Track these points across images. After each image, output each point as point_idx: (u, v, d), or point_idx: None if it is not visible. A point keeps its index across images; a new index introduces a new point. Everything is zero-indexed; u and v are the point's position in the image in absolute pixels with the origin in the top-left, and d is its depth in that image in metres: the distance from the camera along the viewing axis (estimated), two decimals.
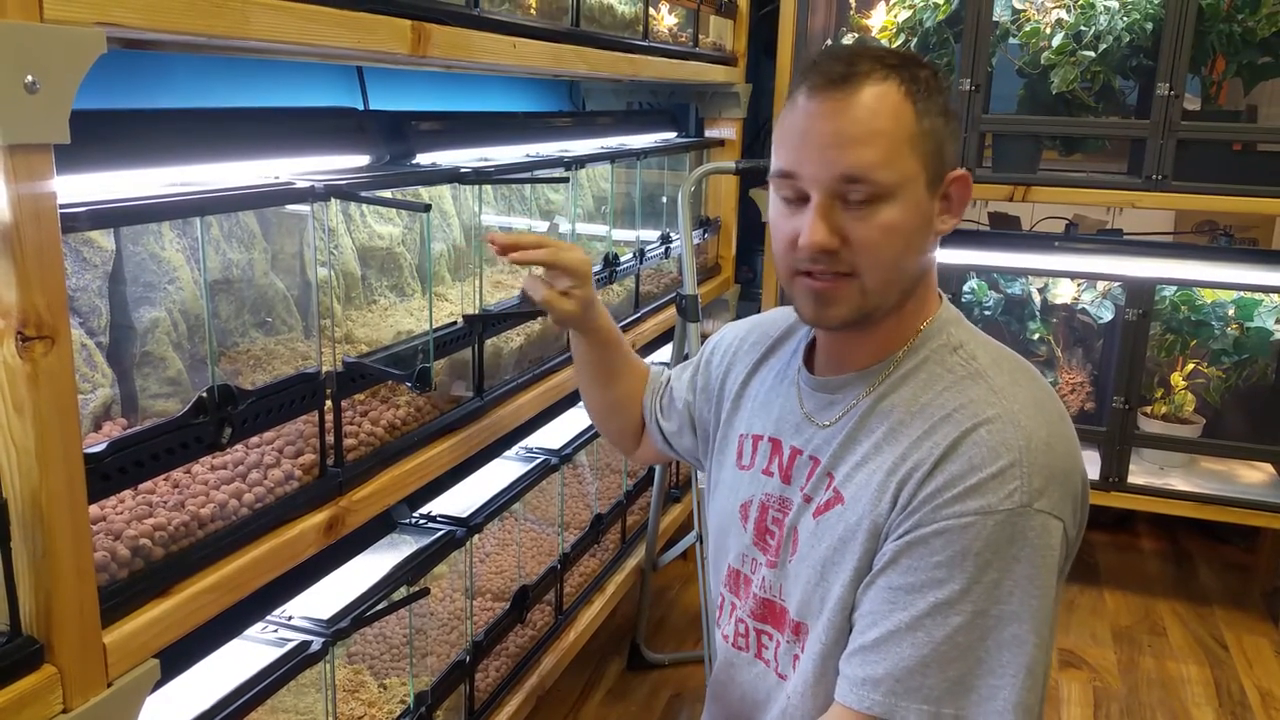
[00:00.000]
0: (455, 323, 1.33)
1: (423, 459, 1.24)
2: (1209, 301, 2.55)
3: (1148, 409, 2.63)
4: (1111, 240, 2.77)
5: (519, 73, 1.88)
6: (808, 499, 1.03)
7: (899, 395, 1.00)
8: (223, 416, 0.93)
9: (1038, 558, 0.90)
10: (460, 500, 1.47)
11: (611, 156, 1.87)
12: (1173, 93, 2.31)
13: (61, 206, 0.73)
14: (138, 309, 0.97)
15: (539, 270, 1.26)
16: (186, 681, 0.97)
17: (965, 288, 2.68)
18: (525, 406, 1.52)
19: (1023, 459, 0.91)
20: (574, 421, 1.86)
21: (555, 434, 1.80)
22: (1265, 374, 2.56)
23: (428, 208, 1.16)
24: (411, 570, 1.26)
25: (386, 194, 1.19)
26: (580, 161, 1.69)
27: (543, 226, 1.82)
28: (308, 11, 0.96)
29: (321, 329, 1.10)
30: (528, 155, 1.65)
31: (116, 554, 0.84)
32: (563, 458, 1.73)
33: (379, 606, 1.19)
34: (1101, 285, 2.63)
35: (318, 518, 1.05)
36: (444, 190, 1.46)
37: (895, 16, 2.64)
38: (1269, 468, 2.64)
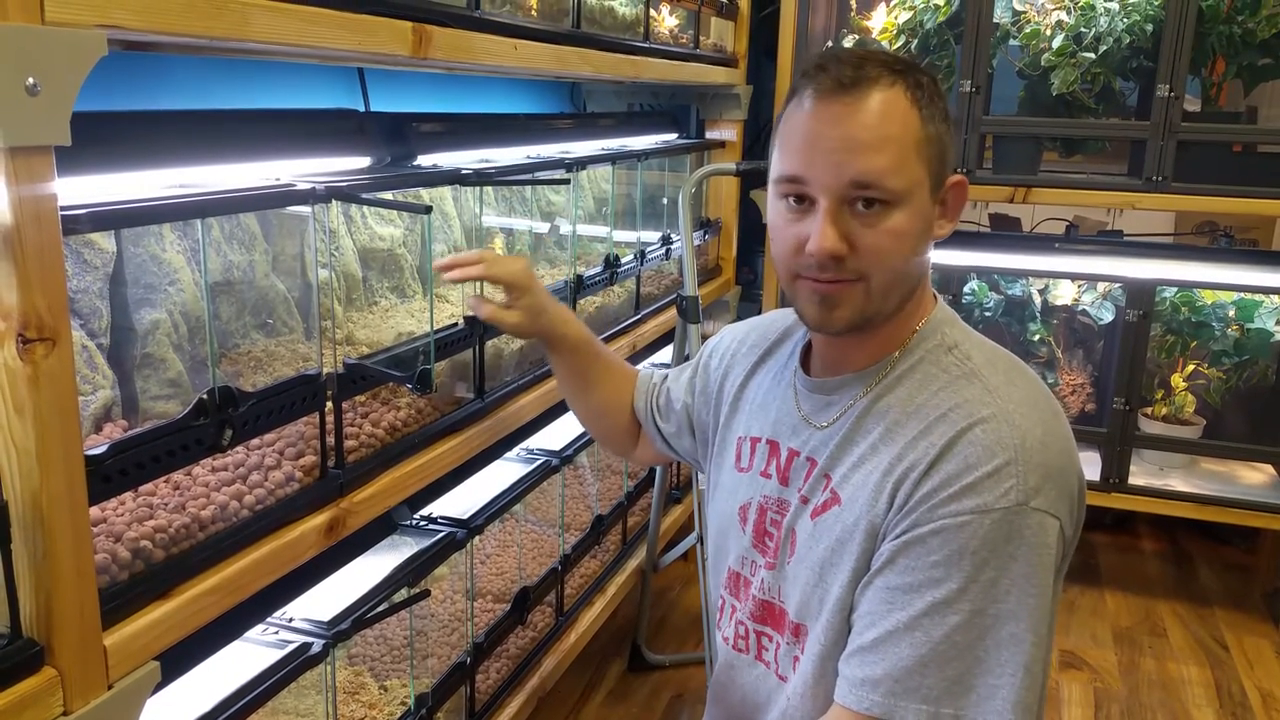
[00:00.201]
0: (456, 324, 1.33)
1: (423, 460, 1.24)
2: (1209, 303, 2.55)
3: (1148, 410, 2.63)
4: (1112, 241, 2.77)
5: (520, 74, 1.88)
6: (805, 500, 1.04)
7: (895, 396, 1.00)
8: (223, 418, 0.93)
9: (1034, 556, 0.90)
10: (461, 502, 1.47)
11: (612, 158, 1.87)
12: (1173, 94, 2.31)
13: (62, 208, 0.73)
14: (138, 311, 0.97)
15: (490, 289, 1.27)
16: (187, 684, 0.97)
17: (966, 289, 2.68)
18: (526, 408, 1.52)
19: (1018, 457, 0.91)
20: (575, 423, 1.85)
21: (556, 435, 1.80)
22: (1265, 375, 2.56)
23: (429, 209, 1.16)
24: (412, 572, 1.26)
25: (387, 195, 1.19)
26: (581, 163, 1.69)
27: (544, 228, 1.82)
28: (308, 13, 0.96)
29: (322, 330, 1.10)
30: (529, 157, 1.65)
31: (117, 556, 0.84)
32: (563, 459, 1.73)
33: (380, 608, 1.19)
34: (1102, 286, 2.63)
35: (318, 519, 1.05)
36: (445, 192, 1.46)
37: (896, 18, 2.64)
38: (1269, 469, 2.64)
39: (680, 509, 2.44)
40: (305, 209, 1.06)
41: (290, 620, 1.13)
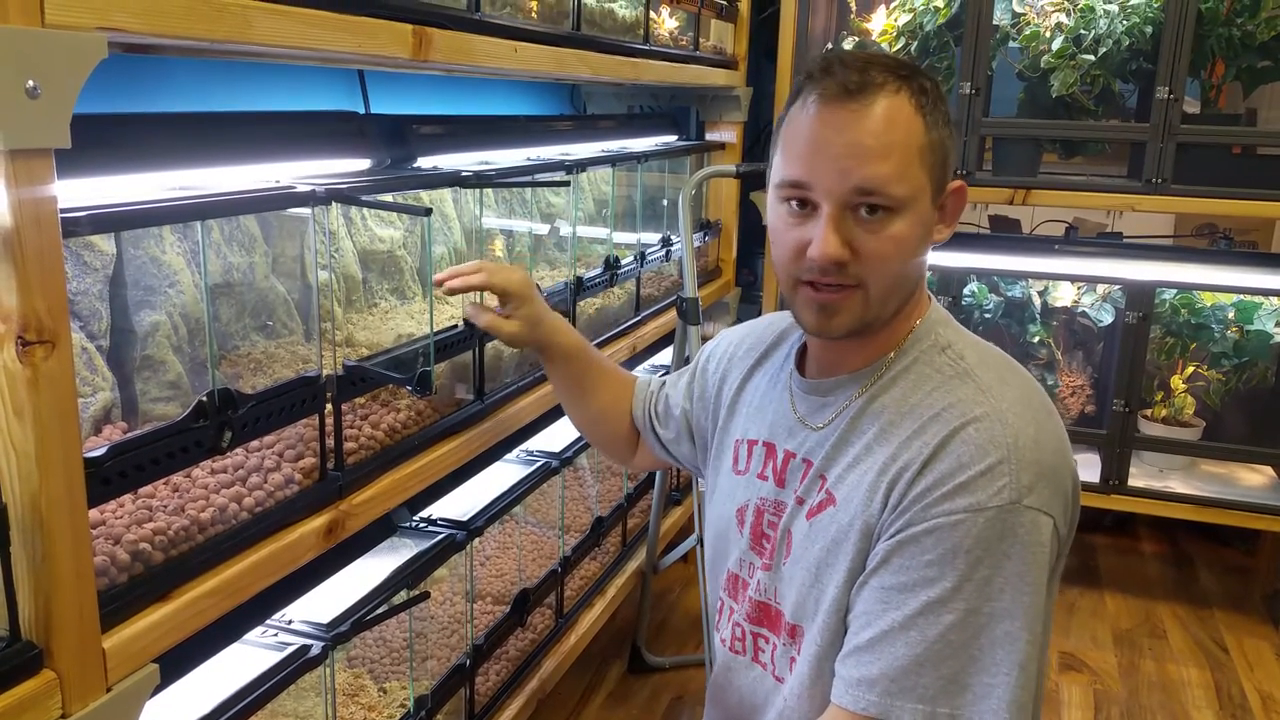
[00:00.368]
0: (456, 326, 1.33)
1: (423, 462, 1.24)
2: (1209, 304, 2.55)
3: (1148, 412, 2.63)
4: (1111, 243, 2.77)
5: (520, 76, 1.88)
6: (800, 501, 1.04)
7: (889, 396, 1.00)
8: (223, 420, 0.93)
9: (1028, 554, 0.90)
10: (461, 503, 1.47)
11: (612, 160, 1.87)
12: (1172, 96, 2.31)
13: (62, 211, 0.73)
14: (138, 313, 0.97)
15: (489, 297, 1.27)
16: (186, 686, 0.97)
17: (966, 290, 2.68)
18: (526, 409, 1.52)
19: (1011, 456, 0.91)
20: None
21: (556, 437, 1.80)
22: (1265, 377, 2.56)
23: (429, 211, 1.16)
24: (412, 574, 1.26)
25: (387, 197, 1.19)
26: (581, 165, 1.69)
27: (544, 229, 1.82)
28: (309, 16, 0.96)
29: (322, 332, 1.10)
30: (529, 159, 1.65)
31: (116, 558, 0.84)
32: (563, 461, 1.73)
33: (379, 610, 1.19)
34: (1101, 288, 2.63)
35: (318, 521, 1.05)
36: (445, 194, 1.46)
37: (895, 20, 2.64)
38: (1269, 470, 2.64)
39: (680, 511, 2.44)
40: (305, 211, 1.06)
41: (290, 622, 1.13)
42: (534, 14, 1.53)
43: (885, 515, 0.95)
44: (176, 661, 0.91)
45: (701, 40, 2.34)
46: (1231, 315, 2.54)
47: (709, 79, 2.36)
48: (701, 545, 1.95)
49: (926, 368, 1.00)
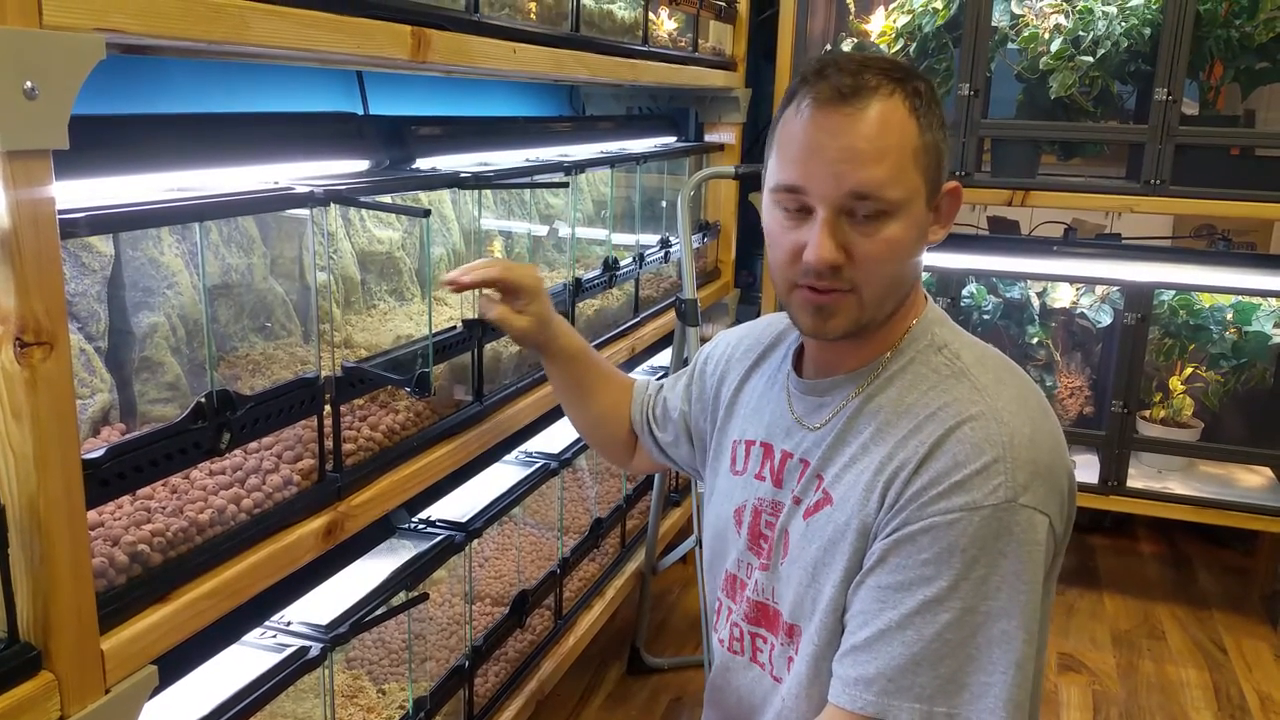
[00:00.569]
0: (454, 327, 1.33)
1: (422, 464, 1.24)
2: (1207, 306, 2.55)
3: (1146, 413, 2.64)
4: (1110, 245, 2.78)
5: (519, 77, 1.88)
6: (797, 501, 1.04)
7: (886, 396, 1.00)
8: (221, 422, 0.93)
9: (1024, 553, 0.90)
10: (459, 505, 1.47)
11: (611, 161, 1.87)
12: (1171, 98, 2.31)
13: (60, 212, 0.73)
14: (137, 314, 0.97)
15: (492, 291, 1.27)
16: (185, 688, 0.97)
17: (964, 292, 2.69)
18: (524, 411, 1.52)
19: (1006, 455, 0.91)
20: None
21: (555, 438, 1.80)
22: (1263, 378, 2.56)
23: (427, 213, 1.16)
24: (410, 575, 1.26)
25: (386, 199, 1.19)
26: (580, 166, 1.69)
27: (542, 230, 1.82)
28: (307, 17, 0.96)
29: (321, 334, 1.10)
30: (527, 160, 1.65)
31: (114, 560, 0.83)
32: (562, 462, 1.73)
33: (378, 612, 1.19)
34: (1100, 289, 2.63)
35: (316, 523, 1.05)
36: (444, 195, 1.46)
37: (894, 22, 2.64)
38: (1267, 471, 2.64)
39: (679, 512, 2.44)
40: (304, 212, 1.06)
41: (288, 624, 1.13)
42: (532, 15, 1.53)
43: (882, 514, 0.95)
44: (175, 663, 0.91)
45: (700, 41, 2.35)
46: (1230, 316, 2.55)
47: (708, 80, 2.36)
48: (700, 546, 1.95)
49: (923, 367, 1.01)
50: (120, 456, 0.83)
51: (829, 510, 1.00)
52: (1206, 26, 2.34)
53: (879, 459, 0.97)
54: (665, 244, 2.15)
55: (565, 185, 1.67)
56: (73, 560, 0.76)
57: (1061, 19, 2.45)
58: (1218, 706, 2.22)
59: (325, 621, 1.14)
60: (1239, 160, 2.43)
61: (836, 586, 0.97)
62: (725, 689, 1.14)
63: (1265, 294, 2.48)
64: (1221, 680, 2.32)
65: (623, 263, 1.89)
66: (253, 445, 1.02)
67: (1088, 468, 2.54)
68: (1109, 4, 2.40)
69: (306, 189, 1.04)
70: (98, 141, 0.89)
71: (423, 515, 1.42)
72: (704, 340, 1.52)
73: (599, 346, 1.83)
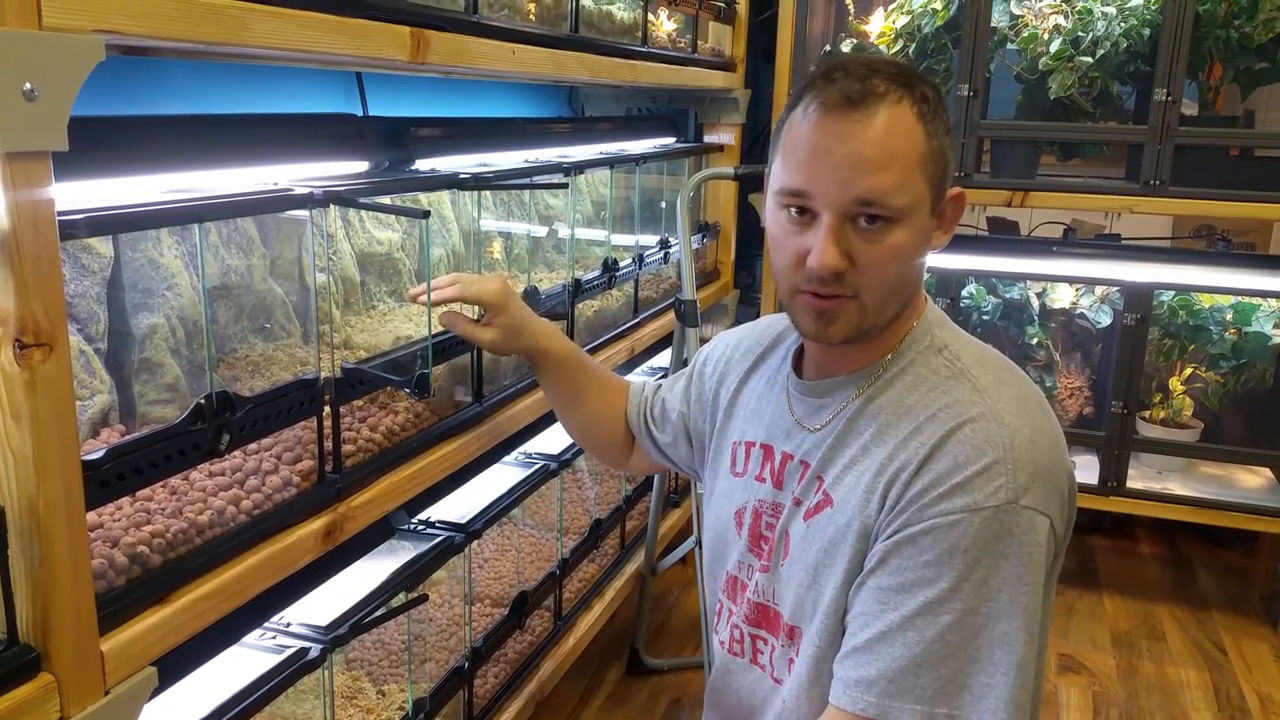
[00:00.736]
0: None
1: (421, 465, 1.24)
2: (1207, 306, 2.55)
3: (1146, 414, 2.64)
4: (1109, 245, 2.78)
5: (518, 79, 1.88)
6: (798, 502, 1.04)
7: (886, 397, 1.00)
8: (221, 423, 0.93)
9: (1025, 554, 0.90)
10: (459, 506, 1.47)
11: (611, 162, 1.87)
12: (1170, 98, 2.31)
13: (60, 213, 0.73)
14: (136, 315, 0.97)
15: (466, 308, 1.28)
16: (184, 689, 0.97)
17: (964, 292, 2.69)
18: (524, 412, 1.52)
19: (1007, 456, 0.91)
20: None
21: (554, 439, 1.80)
22: (1263, 378, 2.56)
23: (427, 214, 1.16)
24: (410, 576, 1.26)
25: (385, 200, 1.19)
26: (579, 167, 1.69)
27: (542, 231, 1.82)
28: (306, 18, 0.96)
29: (320, 335, 1.10)
30: (527, 160, 1.65)
31: (114, 561, 0.83)
32: (562, 463, 1.73)
33: (377, 613, 1.18)
34: (1100, 290, 2.63)
35: (316, 524, 1.05)
36: (443, 196, 1.46)
37: (893, 22, 2.64)
38: (1267, 472, 2.64)
39: (678, 513, 2.44)
40: (303, 213, 1.06)
41: (288, 625, 1.13)
42: (532, 16, 1.53)
43: (882, 516, 0.95)
44: (175, 664, 0.91)
45: (700, 42, 2.35)
46: (1229, 317, 2.55)
47: (707, 81, 2.36)
48: (700, 547, 1.95)
49: (923, 368, 1.01)
50: (120, 458, 0.83)
51: (829, 512, 1.00)
52: (1206, 27, 2.34)
53: (879, 460, 0.97)
54: (664, 245, 2.15)
55: (564, 186, 1.67)
56: (72, 562, 0.76)
57: (1061, 19, 2.45)
58: (1217, 707, 2.22)
59: (325, 623, 1.13)
60: (1238, 161, 2.43)
61: (837, 588, 0.97)
62: (725, 690, 1.14)
63: (1265, 294, 2.48)
64: (1221, 681, 2.32)
65: (622, 264, 1.89)
66: (252, 446, 1.02)
67: (1087, 468, 2.54)
68: (1108, 4, 2.40)
69: (306, 190, 1.04)
70: (97, 143, 0.89)
71: (422, 516, 1.42)
72: (703, 341, 1.52)
73: (598, 347, 1.83)
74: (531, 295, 1.53)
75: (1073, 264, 2.63)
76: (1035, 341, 2.72)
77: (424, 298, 1.21)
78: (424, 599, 1.28)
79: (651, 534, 2.18)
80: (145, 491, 0.90)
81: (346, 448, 1.13)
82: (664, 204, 2.31)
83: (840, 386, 1.04)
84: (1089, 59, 2.40)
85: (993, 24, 2.44)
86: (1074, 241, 2.77)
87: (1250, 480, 2.63)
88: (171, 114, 1.30)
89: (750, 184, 2.58)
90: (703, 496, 1.25)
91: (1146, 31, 2.37)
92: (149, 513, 0.89)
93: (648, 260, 2.05)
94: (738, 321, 2.57)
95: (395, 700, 1.33)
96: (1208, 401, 2.61)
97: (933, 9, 2.54)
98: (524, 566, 1.73)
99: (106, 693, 0.80)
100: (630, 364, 2.12)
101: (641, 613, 2.26)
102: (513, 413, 1.48)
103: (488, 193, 1.51)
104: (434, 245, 1.45)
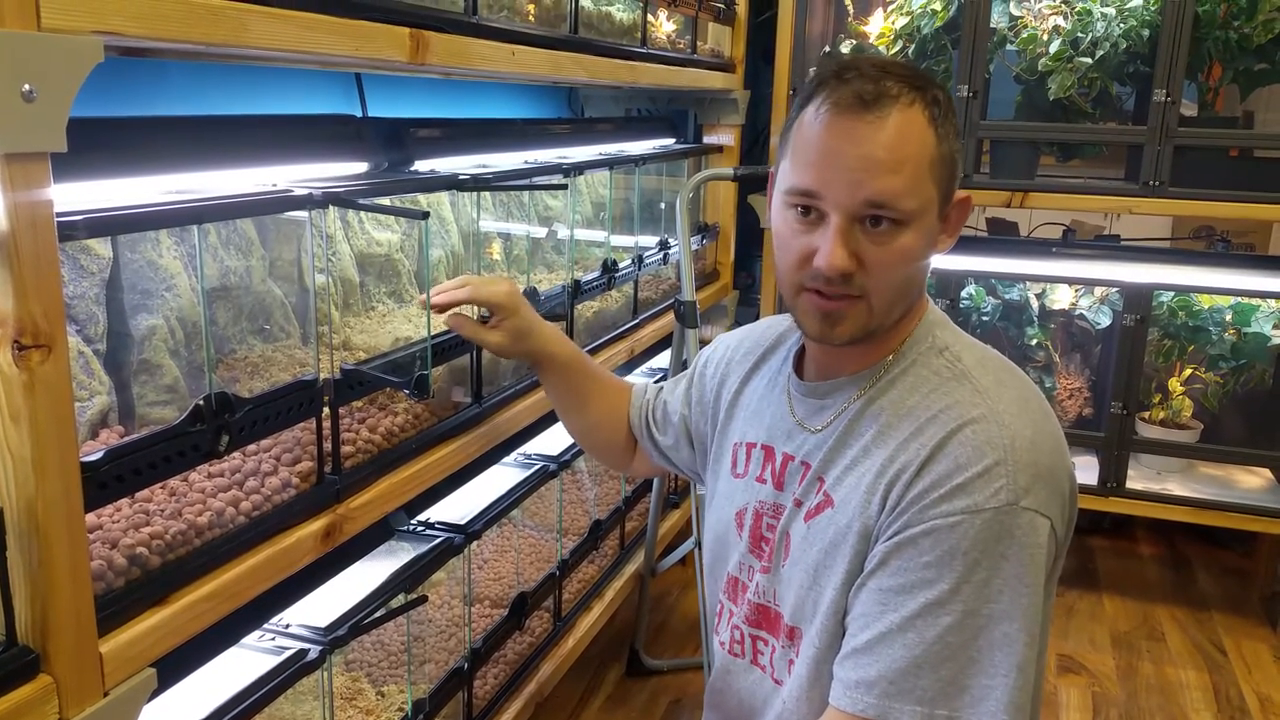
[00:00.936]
0: (453, 330, 1.32)
1: (421, 466, 1.24)
2: (1206, 307, 2.55)
3: (1146, 414, 2.64)
4: (1109, 246, 2.78)
5: (517, 79, 1.88)
6: (799, 503, 1.04)
7: (887, 398, 1.00)
8: (220, 424, 0.93)
9: (1025, 556, 0.90)
10: (458, 507, 1.47)
11: (610, 163, 1.87)
12: (1169, 99, 2.31)
13: (59, 215, 0.72)
14: (135, 316, 0.97)
15: (466, 308, 1.28)
16: (183, 690, 0.97)
17: (963, 293, 2.69)
18: (523, 413, 1.52)
19: (1008, 457, 0.91)
20: None
21: (554, 440, 1.80)
22: (1263, 379, 2.56)
23: (426, 215, 1.16)
24: (409, 577, 1.26)
25: (385, 201, 1.19)
26: (579, 168, 1.69)
27: (541, 232, 1.82)
28: (306, 19, 0.96)
29: (319, 336, 1.10)
30: (526, 162, 1.65)
31: (113, 563, 0.83)
32: (561, 464, 1.73)
33: (377, 614, 1.18)
34: (1099, 291, 2.63)
35: (315, 525, 1.05)
36: (442, 197, 1.46)
37: (893, 23, 2.64)
38: (1267, 473, 2.64)
39: (678, 514, 2.43)
40: (302, 214, 1.06)
41: (287, 626, 1.13)
42: (531, 17, 1.53)
43: (883, 517, 0.95)
44: (174, 666, 0.91)
45: (699, 43, 2.35)
46: (1229, 317, 2.55)
47: (706, 82, 2.36)
48: (699, 548, 1.95)
49: (924, 370, 1.01)
50: (119, 459, 0.83)
51: (830, 513, 1.00)
52: (1205, 28, 2.34)
53: (880, 461, 0.96)
54: (664, 246, 2.15)
55: (564, 187, 1.67)
56: (71, 563, 0.76)
57: (1060, 20, 2.45)
58: (1217, 708, 2.22)
59: (324, 624, 1.13)
60: (1238, 161, 2.43)
61: (838, 589, 0.97)
62: (726, 691, 1.14)
63: (1264, 295, 2.48)
64: (1221, 682, 2.32)
65: (621, 264, 1.89)
66: (251, 448, 1.02)
67: (1087, 469, 2.54)
68: (1107, 5, 2.40)
69: (305, 191, 1.03)
70: (96, 144, 0.89)
71: (422, 517, 1.42)
72: (703, 342, 1.52)
73: (598, 348, 1.83)
74: (531, 296, 1.53)
75: (1072, 265, 2.63)
76: (1035, 342, 2.72)
77: (439, 299, 1.22)
78: (423, 600, 1.28)
79: (651, 535, 2.18)
80: (144, 493, 0.90)
81: (346, 449, 1.12)
82: (663, 205, 2.31)
83: (841, 388, 1.04)
84: (1088, 60, 2.40)
85: (992, 25, 2.44)
86: (1073, 242, 2.77)
87: (1250, 481, 2.63)
88: (170, 115, 1.30)
89: (750, 185, 2.58)
90: (704, 498, 1.25)
91: (1146, 32, 2.37)
92: (148, 514, 0.89)
93: (647, 261, 2.05)
94: (737, 322, 2.57)
95: (395, 701, 1.33)
96: (1207, 402, 2.61)
97: (932, 10, 2.54)
98: (523, 567, 1.73)
99: (106, 694, 0.80)
100: (630, 365, 2.12)
101: (641, 613, 2.26)
102: (512, 414, 1.48)
103: (487, 194, 1.51)
104: (433, 246, 1.45)
